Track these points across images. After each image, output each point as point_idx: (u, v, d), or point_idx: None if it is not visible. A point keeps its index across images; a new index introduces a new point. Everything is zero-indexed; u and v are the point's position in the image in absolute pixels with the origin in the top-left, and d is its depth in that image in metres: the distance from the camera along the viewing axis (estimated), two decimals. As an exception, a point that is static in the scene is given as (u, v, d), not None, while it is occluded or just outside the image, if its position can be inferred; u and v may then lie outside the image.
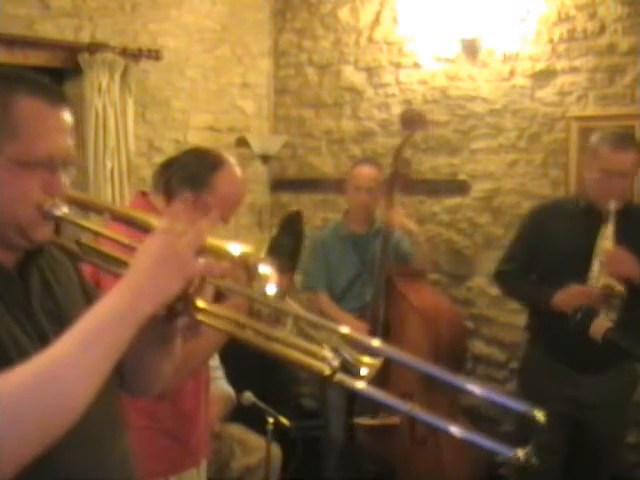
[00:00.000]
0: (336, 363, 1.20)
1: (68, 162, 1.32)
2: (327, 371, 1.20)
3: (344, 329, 1.26)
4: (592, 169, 2.95)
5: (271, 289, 1.25)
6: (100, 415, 1.30)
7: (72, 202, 1.46)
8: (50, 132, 1.28)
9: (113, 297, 1.17)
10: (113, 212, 1.51)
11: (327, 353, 1.21)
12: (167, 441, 2.20)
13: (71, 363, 1.10)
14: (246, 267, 1.27)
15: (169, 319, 1.32)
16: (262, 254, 1.28)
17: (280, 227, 1.47)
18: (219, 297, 1.58)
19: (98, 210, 1.53)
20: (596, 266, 2.84)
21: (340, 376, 1.20)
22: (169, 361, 1.47)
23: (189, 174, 2.14)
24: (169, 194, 2.16)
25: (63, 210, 1.30)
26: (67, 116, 1.32)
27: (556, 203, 3.31)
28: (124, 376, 1.47)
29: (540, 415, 1.11)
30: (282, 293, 1.34)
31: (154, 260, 1.19)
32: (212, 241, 1.26)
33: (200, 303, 1.29)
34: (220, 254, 1.27)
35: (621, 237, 2.85)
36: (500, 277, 3.30)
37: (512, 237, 3.35)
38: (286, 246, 1.43)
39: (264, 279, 1.26)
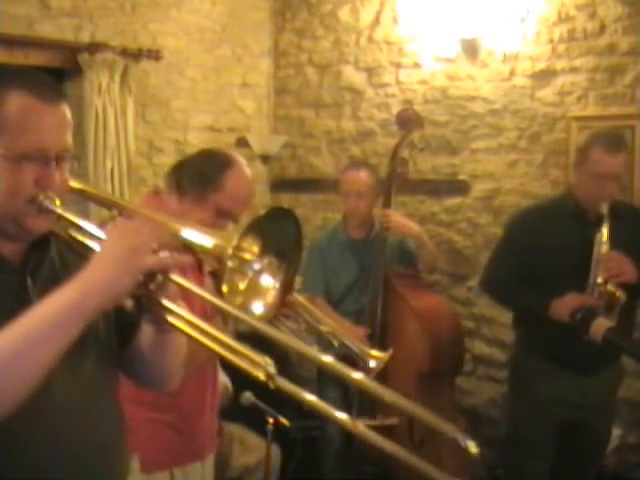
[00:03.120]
0: (271, 370, 1.21)
1: (64, 156, 1.33)
2: (262, 377, 1.21)
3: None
4: (583, 172, 2.91)
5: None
6: (90, 408, 1.38)
7: (83, 196, 1.48)
8: (41, 127, 1.29)
9: (61, 292, 1.22)
10: (127, 210, 1.50)
11: (261, 359, 1.22)
12: (171, 434, 2.22)
13: (4, 356, 1.16)
14: (219, 259, 1.29)
15: (138, 314, 1.36)
16: (234, 242, 1.29)
17: (269, 214, 1.43)
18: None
19: (109, 206, 1.51)
20: (594, 273, 2.79)
21: (280, 382, 1.22)
22: (171, 355, 1.48)
23: (199, 173, 2.18)
24: (180, 194, 2.20)
25: (57, 204, 1.32)
26: (62, 111, 1.33)
27: (544, 206, 3.19)
28: (138, 373, 1.52)
29: (472, 447, 1.18)
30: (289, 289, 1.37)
31: (107, 255, 1.24)
32: (181, 233, 1.29)
33: (164, 300, 1.30)
34: (193, 247, 1.31)
35: (615, 239, 2.81)
36: (491, 285, 3.22)
37: (499, 243, 3.26)
38: (286, 233, 1.40)
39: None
